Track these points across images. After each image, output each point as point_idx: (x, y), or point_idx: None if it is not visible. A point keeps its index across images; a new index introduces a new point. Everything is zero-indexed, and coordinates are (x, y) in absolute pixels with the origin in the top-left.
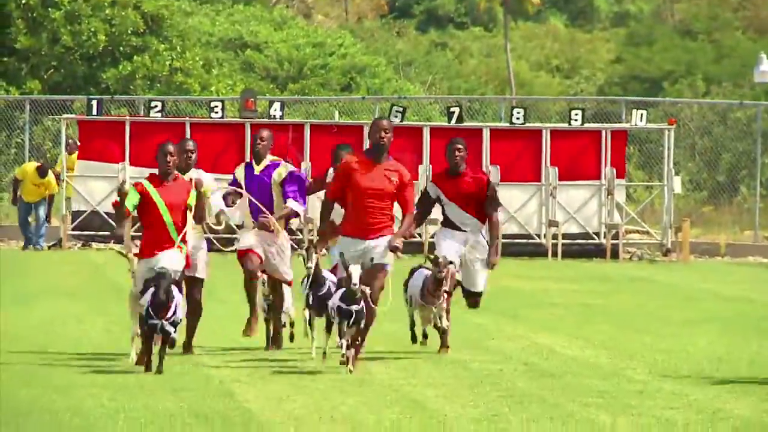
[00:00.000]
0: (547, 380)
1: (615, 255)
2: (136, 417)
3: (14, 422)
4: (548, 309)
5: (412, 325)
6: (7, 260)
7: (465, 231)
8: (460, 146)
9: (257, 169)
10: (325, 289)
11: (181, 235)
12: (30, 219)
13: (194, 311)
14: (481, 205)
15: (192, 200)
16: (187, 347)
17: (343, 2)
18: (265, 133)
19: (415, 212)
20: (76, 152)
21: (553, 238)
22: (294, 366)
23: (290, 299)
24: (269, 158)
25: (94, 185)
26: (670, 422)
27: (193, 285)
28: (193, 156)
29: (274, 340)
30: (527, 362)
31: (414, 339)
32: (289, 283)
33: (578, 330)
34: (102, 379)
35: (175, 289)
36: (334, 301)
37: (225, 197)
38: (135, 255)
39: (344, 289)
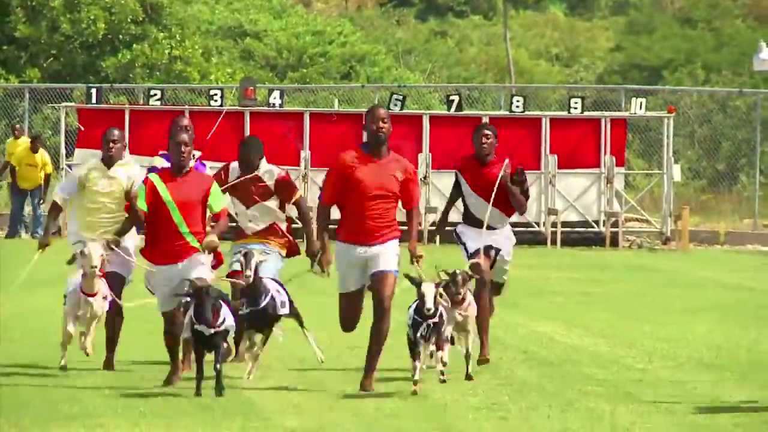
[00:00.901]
0: (547, 369)
1: (614, 243)
2: (135, 405)
3: (15, 412)
4: (547, 297)
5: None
6: (5, 249)
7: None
8: (488, 132)
9: None
10: (265, 301)
11: (197, 238)
12: (27, 208)
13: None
14: (509, 197)
15: (215, 200)
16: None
17: None
18: (185, 121)
19: (446, 203)
20: (22, 137)
21: (552, 227)
22: (293, 356)
23: None
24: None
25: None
26: (669, 410)
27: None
28: (119, 145)
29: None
30: (526, 351)
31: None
32: None
33: (577, 318)
34: (101, 367)
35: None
36: (410, 317)
37: None
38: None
39: (417, 306)
